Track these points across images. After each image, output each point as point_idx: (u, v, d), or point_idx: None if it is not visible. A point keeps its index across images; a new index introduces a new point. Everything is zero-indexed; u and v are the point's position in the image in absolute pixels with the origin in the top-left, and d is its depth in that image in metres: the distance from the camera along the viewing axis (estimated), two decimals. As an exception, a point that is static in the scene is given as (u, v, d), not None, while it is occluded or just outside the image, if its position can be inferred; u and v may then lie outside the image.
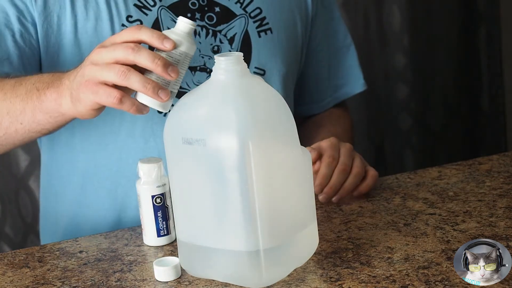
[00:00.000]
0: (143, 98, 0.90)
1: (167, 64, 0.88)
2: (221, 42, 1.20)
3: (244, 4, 1.23)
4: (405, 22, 2.15)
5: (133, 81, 0.87)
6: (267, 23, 1.24)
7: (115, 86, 0.90)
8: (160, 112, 1.15)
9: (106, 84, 0.89)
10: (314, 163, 1.10)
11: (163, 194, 1.02)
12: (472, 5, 2.24)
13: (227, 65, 0.87)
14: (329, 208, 1.12)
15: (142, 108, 0.90)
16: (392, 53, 2.16)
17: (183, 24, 0.90)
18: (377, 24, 2.14)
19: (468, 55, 2.27)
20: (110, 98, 0.89)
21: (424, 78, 2.21)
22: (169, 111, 0.91)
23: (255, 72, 1.22)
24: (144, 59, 0.88)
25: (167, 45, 0.89)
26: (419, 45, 2.18)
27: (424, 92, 2.22)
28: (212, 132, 0.85)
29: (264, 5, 1.24)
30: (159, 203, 1.02)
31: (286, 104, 0.90)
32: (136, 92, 0.90)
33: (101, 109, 0.94)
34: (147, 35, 0.89)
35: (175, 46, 0.89)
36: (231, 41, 1.21)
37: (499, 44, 2.28)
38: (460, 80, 2.27)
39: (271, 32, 1.24)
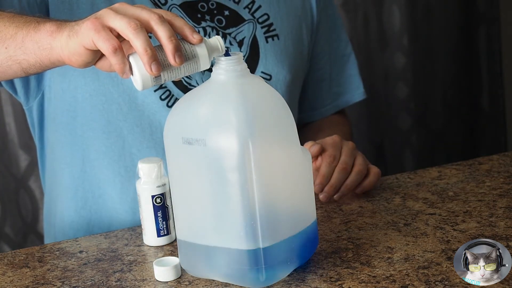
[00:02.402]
0: (134, 60, 0.87)
1: (178, 49, 0.86)
2: (230, 44, 1.21)
3: (252, 10, 1.24)
4: (405, 22, 2.15)
5: (139, 38, 0.85)
6: (274, 29, 1.25)
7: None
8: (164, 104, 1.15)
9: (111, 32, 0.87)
10: (316, 157, 1.11)
11: (163, 194, 1.02)
12: (472, 5, 2.24)
13: (227, 65, 0.87)
14: (329, 208, 1.12)
15: (126, 70, 0.88)
16: (392, 53, 2.16)
17: (215, 40, 0.89)
18: (377, 24, 2.14)
19: (468, 55, 2.27)
20: (107, 43, 0.86)
21: (424, 78, 2.22)
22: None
23: (261, 77, 1.22)
24: (162, 31, 0.86)
25: (196, 36, 0.88)
26: (419, 45, 2.19)
27: (424, 92, 2.23)
28: (212, 132, 0.85)
29: (271, 12, 1.25)
30: (159, 203, 1.02)
31: (286, 104, 0.90)
32: (129, 56, 0.88)
33: (90, 55, 0.89)
34: (181, 21, 0.88)
35: (200, 42, 0.88)
36: (240, 44, 1.21)
37: (499, 44, 2.28)
38: (460, 80, 2.27)
39: (278, 38, 1.25)
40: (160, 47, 0.87)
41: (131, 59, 0.87)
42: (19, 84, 1.19)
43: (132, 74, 0.88)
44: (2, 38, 0.97)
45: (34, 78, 1.19)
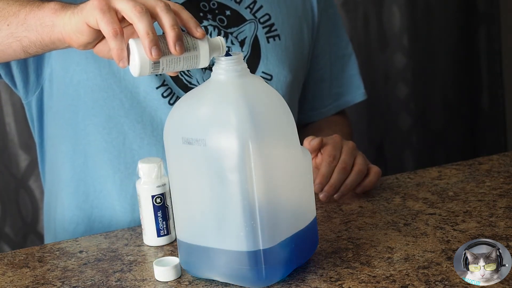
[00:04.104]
0: (134, 44, 0.86)
1: (180, 38, 0.86)
2: (232, 43, 1.21)
3: (254, 10, 1.24)
4: (405, 22, 2.15)
5: (143, 21, 0.85)
6: (276, 29, 1.25)
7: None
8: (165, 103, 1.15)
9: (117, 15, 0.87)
10: (316, 152, 1.11)
11: (163, 194, 1.02)
12: (472, 5, 2.24)
13: (227, 65, 0.87)
14: (329, 208, 1.12)
15: (123, 57, 0.87)
16: (392, 53, 2.16)
17: (218, 40, 0.89)
18: (377, 24, 2.14)
19: (468, 55, 2.27)
20: (110, 26, 0.85)
21: (424, 78, 2.22)
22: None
23: (262, 77, 1.22)
24: (166, 19, 0.86)
25: (199, 30, 0.88)
26: (419, 45, 2.18)
27: (424, 92, 2.22)
28: (212, 132, 0.85)
29: (273, 12, 1.25)
30: (159, 203, 1.02)
31: (286, 104, 0.90)
32: (129, 40, 0.87)
33: (92, 34, 0.89)
34: (187, 14, 0.89)
35: (204, 36, 0.88)
36: (241, 43, 1.22)
37: (499, 44, 2.28)
38: (460, 80, 2.27)
39: (279, 39, 1.25)
40: (162, 36, 0.87)
41: (132, 42, 0.86)
42: (19, 77, 1.19)
43: (129, 61, 0.87)
44: (4, 15, 0.97)
45: (33, 72, 1.19)
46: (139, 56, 0.86)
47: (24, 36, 0.96)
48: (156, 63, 0.86)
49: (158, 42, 0.85)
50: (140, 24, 0.85)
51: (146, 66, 0.86)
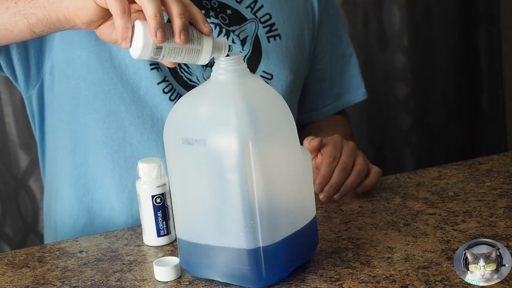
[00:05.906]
0: (140, 24, 0.86)
1: (185, 27, 0.86)
2: (233, 42, 1.21)
3: (255, 9, 1.24)
4: (405, 22, 2.15)
5: (152, 4, 0.84)
6: (276, 29, 1.25)
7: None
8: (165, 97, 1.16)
9: None
10: (315, 152, 1.11)
11: (163, 194, 1.02)
12: (472, 5, 2.24)
13: (227, 65, 0.87)
14: (329, 208, 1.12)
15: (127, 37, 0.87)
16: (392, 53, 2.16)
17: (222, 41, 0.89)
18: (377, 24, 2.14)
19: (468, 55, 2.27)
20: (118, 3, 0.85)
21: (424, 78, 2.22)
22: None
23: (262, 77, 1.22)
24: (175, 8, 0.86)
25: (206, 26, 0.88)
26: (419, 45, 2.18)
27: (424, 92, 2.22)
28: (212, 132, 0.85)
29: (273, 12, 1.25)
30: (159, 203, 1.02)
31: (286, 104, 0.90)
32: (135, 22, 0.87)
33: (98, 12, 0.89)
34: (196, 9, 0.89)
35: (210, 32, 0.88)
36: (243, 42, 1.22)
37: (499, 44, 2.28)
38: (460, 80, 2.27)
39: (280, 38, 1.25)
40: (169, 24, 0.86)
41: (138, 23, 0.86)
42: (20, 70, 1.19)
43: (132, 43, 0.87)
44: None
45: (34, 65, 1.19)
46: (144, 37, 0.85)
47: (32, 13, 0.96)
48: (158, 48, 0.86)
49: (164, 27, 0.85)
50: (149, 6, 0.85)
51: (148, 48, 0.86)
